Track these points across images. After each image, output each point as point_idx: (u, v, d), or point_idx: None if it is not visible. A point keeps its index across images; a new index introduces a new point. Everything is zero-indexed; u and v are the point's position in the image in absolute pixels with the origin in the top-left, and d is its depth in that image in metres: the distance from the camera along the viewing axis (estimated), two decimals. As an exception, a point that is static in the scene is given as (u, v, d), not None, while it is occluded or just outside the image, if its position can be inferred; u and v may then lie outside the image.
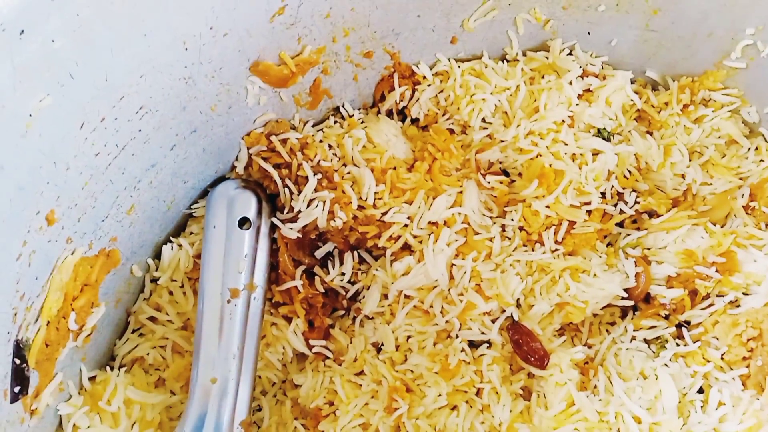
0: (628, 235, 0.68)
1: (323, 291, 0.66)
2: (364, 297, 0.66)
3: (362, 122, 0.69)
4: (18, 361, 0.48)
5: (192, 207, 0.65)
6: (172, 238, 0.64)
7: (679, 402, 0.61)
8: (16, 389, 0.48)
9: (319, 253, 0.66)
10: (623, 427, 0.58)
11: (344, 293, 0.67)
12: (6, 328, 0.46)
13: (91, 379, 0.60)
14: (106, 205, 0.52)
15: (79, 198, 0.48)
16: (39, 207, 0.45)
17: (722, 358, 0.63)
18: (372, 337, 0.66)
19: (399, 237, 0.65)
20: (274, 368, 0.66)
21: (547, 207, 0.65)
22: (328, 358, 0.66)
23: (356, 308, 0.67)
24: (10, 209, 0.42)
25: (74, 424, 0.57)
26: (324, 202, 0.63)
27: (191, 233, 0.65)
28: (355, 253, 0.67)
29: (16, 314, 0.46)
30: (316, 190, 0.63)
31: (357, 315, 0.67)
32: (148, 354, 0.64)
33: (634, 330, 0.65)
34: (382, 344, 0.65)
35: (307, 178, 0.63)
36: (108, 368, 0.61)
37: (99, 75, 0.44)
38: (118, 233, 0.56)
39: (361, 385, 0.64)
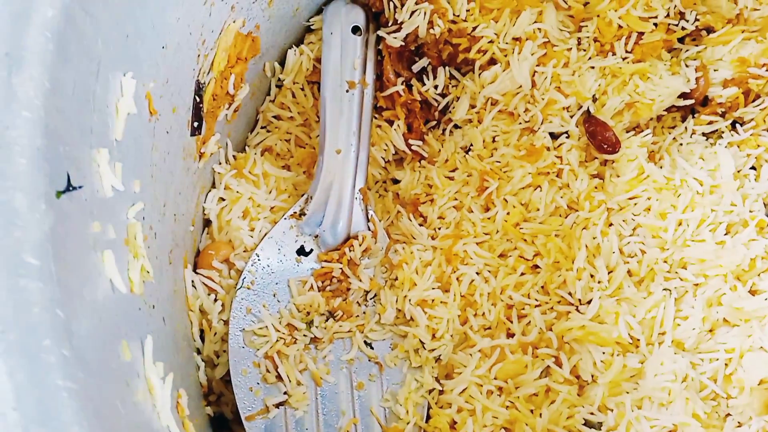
0: (689, 50, 0.77)
1: (419, 99, 0.76)
2: (454, 107, 0.77)
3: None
4: (197, 99, 0.59)
5: (310, 20, 0.76)
6: (294, 46, 0.76)
7: (735, 175, 0.70)
8: (195, 124, 0.60)
9: (416, 68, 0.77)
10: (687, 188, 0.68)
11: (436, 105, 0.77)
12: (192, 64, 0.57)
13: (233, 157, 0.71)
14: (257, -14, 0.64)
15: (243, -32, 0.60)
16: (220, -39, 0.56)
17: (773, 143, 0.72)
18: (461, 142, 0.76)
19: (486, 51, 0.75)
20: (378, 166, 0.77)
21: (620, 18, 0.74)
22: (424, 158, 0.77)
23: (446, 120, 0.77)
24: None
25: (225, 183, 0.68)
26: (425, 12, 0.73)
27: (310, 43, 0.76)
28: (447, 69, 0.77)
29: (198, 56, 0.58)
30: (416, 3, 0.74)
31: (447, 126, 0.77)
32: (275, 144, 0.75)
33: (694, 126, 0.75)
34: (471, 145, 0.76)
35: (409, -7, 0.74)
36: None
37: None
38: (260, 22, 0.67)
39: (453, 179, 0.75)
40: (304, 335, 0.65)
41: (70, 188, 0.34)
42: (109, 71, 0.42)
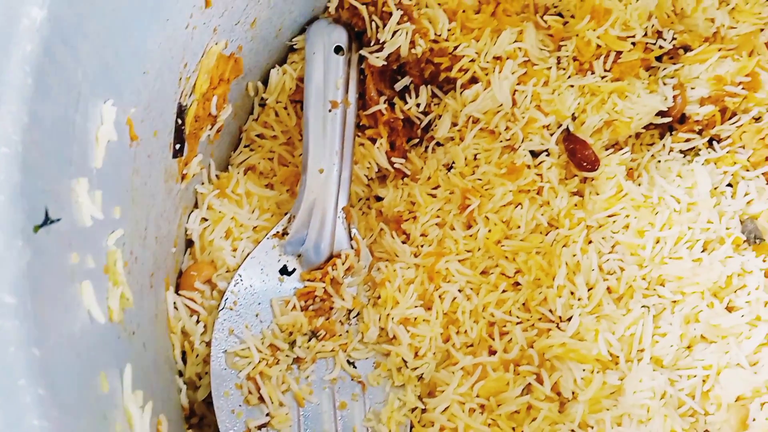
0: (666, 68, 0.78)
1: (402, 117, 0.77)
2: (436, 125, 0.77)
3: (433, -26, 0.80)
4: (179, 122, 0.59)
5: (292, 40, 0.77)
6: (277, 65, 0.76)
7: (711, 192, 0.72)
8: (177, 146, 0.60)
9: (398, 86, 0.77)
10: (665, 206, 0.69)
11: (419, 123, 0.78)
12: (174, 88, 0.58)
13: (216, 176, 0.72)
14: (239, 9, 0.64)
15: (226, -9, 0.60)
16: (202, -14, 0.56)
17: (748, 160, 0.73)
18: (443, 159, 0.77)
19: (468, 70, 0.76)
20: (362, 184, 0.77)
21: (598, 38, 0.75)
22: (407, 176, 0.77)
23: (429, 137, 0.78)
24: (187, -23, 0.53)
25: (208, 203, 0.69)
26: (407, 32, 0.74)
27: (293, 62, 0.77)
28: (429, 87, 0.78)
29: (180, 79, 0.58)
30: (398, 24, 0.74)
31: (429, 143, 0.78)
32: (259, 163, 0.75)
33: (671, 143, 0.76)
34: (453, 163, 0.76)
35: (390, 13, 0.74)
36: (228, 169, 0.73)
37: None
38: (243, 43, 0.67)
39: (435, 196, 0.76)
40: (287, 355, 0.65)
41: (48, 222, 0.34)
42: (89, 100, 0.42)
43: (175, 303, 0.61)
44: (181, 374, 0.61)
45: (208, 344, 0.62)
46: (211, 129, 0.67)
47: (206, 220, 0.69)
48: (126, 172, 0.49)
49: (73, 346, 0.33)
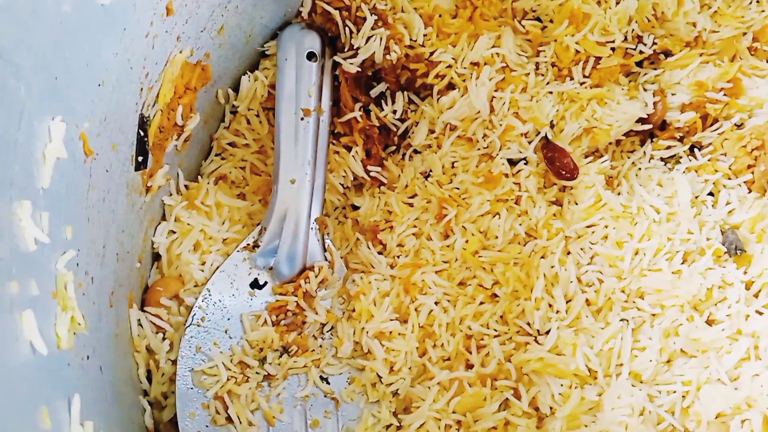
0: (647, 73, 0.77)
1: (378, 125, 0.75)
2: (413, 133, 0.76)
3: (409, -23, 0.78)
4: (141, 133, 0.57)
5: (264, 45, 0.75)
6: (248, 72, 0.74)
7: (692, 201, 0.70)
8: (139, 158, 0.58)
9: (374, 93, 0.75)
10: (644, 216, 0.68)
11: (395, 130, 0.76)
12: (134, 99, 0.55)
13: (185, 187, 0.69)
14: (205, 16, 0.62)
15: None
16: (163, -6, 0.54)
17: (730, 168, 0.72)
18: (421, 167, 0.75)
19: (444, 76, 0.74)
20: (337, 193, 0.75)
21: (577, 43, 0.73)
22: (383, 184, 0.75)
23: (406, 144, 0.76)
24: (145, -15, 0.51)
25: (176, 216, 0.67)
26: (381, 38, 0.72)
27: (264, 68, 0.75)
28: (405, 93, 0.76)
29: (141, 89, 0.56)
30: (372, 29, 0.72)
31: (406, 151, 0.76)
32: (230, 172, 0.73)
33: (652, 150, 0.74)
34: (430, 171, 0.75)
35: (365, 18, 0.72)
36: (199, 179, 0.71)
37: None
38: (210, 50, 0.65)
39: (412, 205, 0.74)
40: (257, 373, 0.63)
41: (-19, 251, 0.32)
42: (34, 117, 0.40)
43: (139, 320, 0.59)
44: (146, 394, 0.59)
45: (175, 362, 0.60)
46: (177, 139, 0.65)
47: (174, 233, 0.67)
48: (80, 189, 0.47)
49: (8, 384, 0.31)
